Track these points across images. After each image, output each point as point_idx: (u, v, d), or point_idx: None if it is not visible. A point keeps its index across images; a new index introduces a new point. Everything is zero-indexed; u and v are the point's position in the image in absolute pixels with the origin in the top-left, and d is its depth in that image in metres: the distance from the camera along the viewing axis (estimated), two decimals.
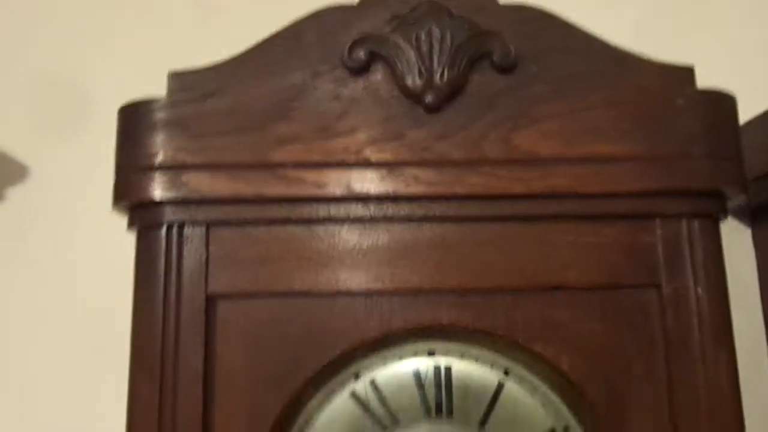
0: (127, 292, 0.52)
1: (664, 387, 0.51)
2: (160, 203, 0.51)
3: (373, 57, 0.53)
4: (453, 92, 0.52)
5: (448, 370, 0.54)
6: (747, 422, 0.50)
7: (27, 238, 0.79)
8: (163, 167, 0.51)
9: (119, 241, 0.59)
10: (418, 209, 0.51)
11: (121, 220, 0.55)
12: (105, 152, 0.57)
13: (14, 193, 0.79)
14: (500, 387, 0.54)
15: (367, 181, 0.51)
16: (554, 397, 0.54)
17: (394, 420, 0.53)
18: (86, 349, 0.77)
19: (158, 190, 0.50)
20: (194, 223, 0.51)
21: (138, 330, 0.51)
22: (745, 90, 0.60)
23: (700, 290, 0.51)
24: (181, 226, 0.51)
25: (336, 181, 0.51)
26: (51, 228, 0.79)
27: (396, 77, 0.52)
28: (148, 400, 0.49)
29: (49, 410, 0.76)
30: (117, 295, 0.57)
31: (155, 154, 0.51)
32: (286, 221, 0.52)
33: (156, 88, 0.52)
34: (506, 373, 0.54)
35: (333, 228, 0.52)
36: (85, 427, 0.76)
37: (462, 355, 0.55)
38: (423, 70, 0.52)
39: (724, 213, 0.53)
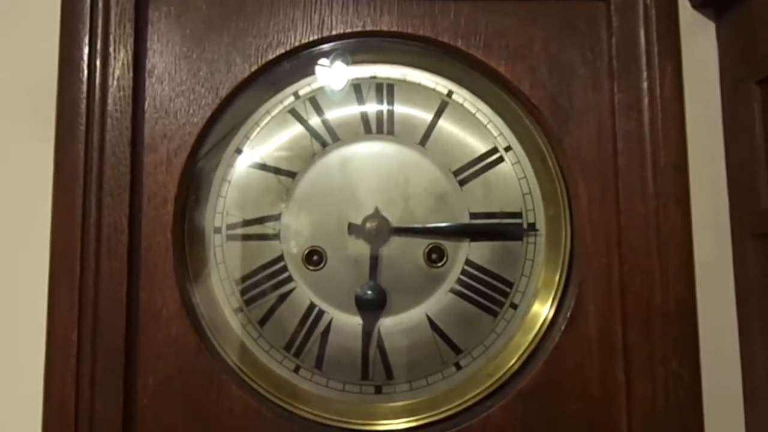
0: None
1: (607, 94, 0.50)
2: None
3: None
4: None
5: (390, 88, 0.53)
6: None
7: None
8: None
9: None
10: None
11: None
12: None
13: None
14: (442, 107, 0.53)
15: None
16: (497, 118, 0.53)
17: (335, 137, 0.52)
18: None
19: None
20: None
21: (65, 32, 0.49)
22: None
23: (648, 1, 0.50)
24: None
25: None
26: None
27: None
28: (74, 93, 0.48)
29: None
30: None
31: None
32: None
33: None
34: (449, 94, 0.53)
35: None
36: None
37: (405, 77, 0.53)
38: None
39: None
